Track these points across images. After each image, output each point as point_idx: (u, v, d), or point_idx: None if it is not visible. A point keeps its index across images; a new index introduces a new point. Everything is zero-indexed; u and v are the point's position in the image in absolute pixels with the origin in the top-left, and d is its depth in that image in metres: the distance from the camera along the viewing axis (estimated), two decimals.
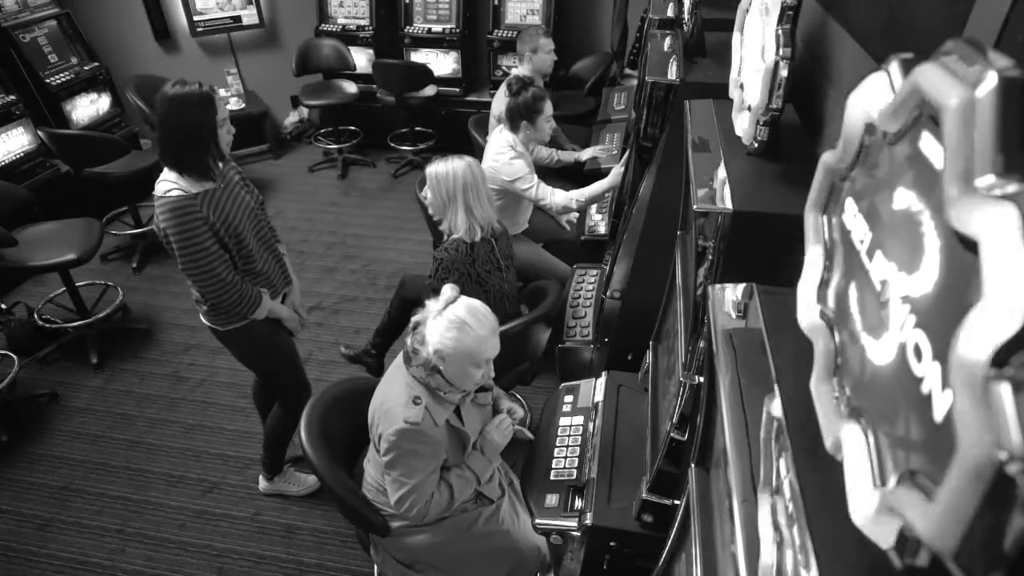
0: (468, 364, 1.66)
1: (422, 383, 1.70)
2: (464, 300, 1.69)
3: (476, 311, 1.67)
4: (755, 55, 1.24)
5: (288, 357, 2.51)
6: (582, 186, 3.09)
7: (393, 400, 1.70)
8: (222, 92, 2.13)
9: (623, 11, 4.64)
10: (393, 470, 1.71)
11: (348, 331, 3.75)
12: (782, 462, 0.65)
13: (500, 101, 3.63)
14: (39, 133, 4.02)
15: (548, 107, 3.06)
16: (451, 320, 1.64)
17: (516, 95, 3.01)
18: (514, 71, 4.04)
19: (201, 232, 2.01)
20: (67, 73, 4.60)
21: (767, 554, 0.67)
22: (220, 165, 2.09)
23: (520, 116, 3.02)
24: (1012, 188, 0.35)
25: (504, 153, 2.99)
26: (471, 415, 1.85)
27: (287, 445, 2.75)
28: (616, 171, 2.99)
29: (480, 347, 1.65)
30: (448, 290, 1.70)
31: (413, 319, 1.73)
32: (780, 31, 1.13)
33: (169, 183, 2.00)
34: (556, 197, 2.99)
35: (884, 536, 0.43)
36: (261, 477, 2.82)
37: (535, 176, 3.02)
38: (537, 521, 1.78)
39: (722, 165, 1.25)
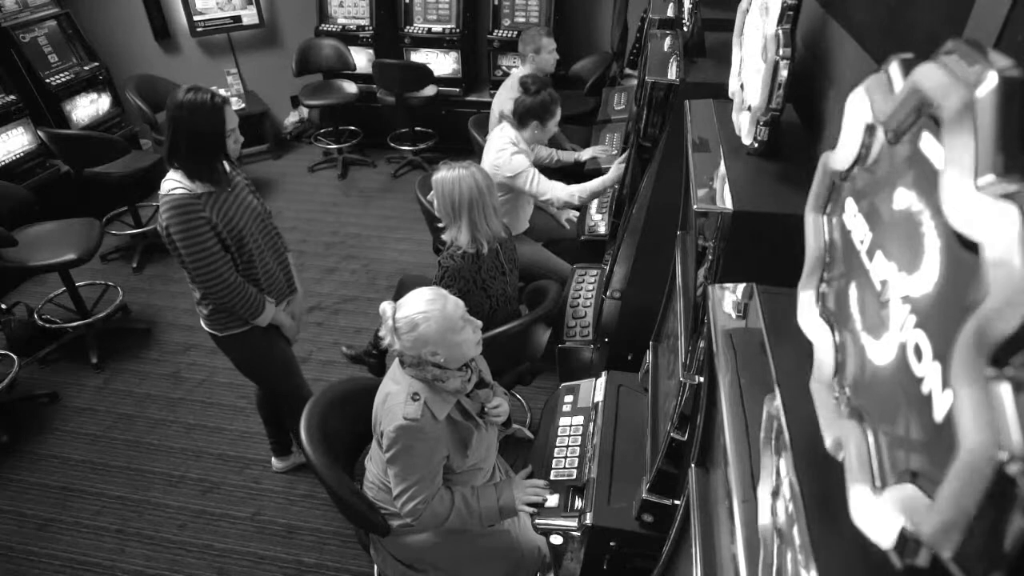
0: (452, 335, 1.68)
1: (419, 379, 1.72)
2: (402, 306, 1.69)
3: (415, 300, 1.69)
4: (755, 55, 1.24)
5: (285, 366, 2.51)
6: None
7: (393, 398, 1.73)
8: (222, 92, 2.14)
9: (623, 11, 4.64)
10: (394, 466, 1.73)
11: (348, 331, 3.74)
12: (782, 462, 0.65)
13: (501, 100, 3.64)
14: (39, 133, 4.02)
15: (559, 112, 3.10)
16: (410, 326, 1.66)
17: (535, 94, 3.02)
18: (515, 71, 4.05)
19: (203, 231, 2.03)
20: (67, 73, 4.59)
21: (767, 552, 0.67)
22: (228, 171, 2.12)
23: (533, 115, 3.03)
24: (1012, 188, 0.35)
25: (505, 149, 3.00)
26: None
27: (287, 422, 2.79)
28: (617, 167, 2.99)
29: (448, 315, 1.68)
30: (387, 309, 1.70)
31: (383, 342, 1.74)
32: (780, 31, 1.12)
33: (174, 182, 2.03)
34: (557, 191, 2.99)
35: (884, 536, 0.43)
36: (273, 459, 2.90)
37: (535, 170, 3.02)
38: (537, 521, 1.78)
39: (722, 165, 1.25)
